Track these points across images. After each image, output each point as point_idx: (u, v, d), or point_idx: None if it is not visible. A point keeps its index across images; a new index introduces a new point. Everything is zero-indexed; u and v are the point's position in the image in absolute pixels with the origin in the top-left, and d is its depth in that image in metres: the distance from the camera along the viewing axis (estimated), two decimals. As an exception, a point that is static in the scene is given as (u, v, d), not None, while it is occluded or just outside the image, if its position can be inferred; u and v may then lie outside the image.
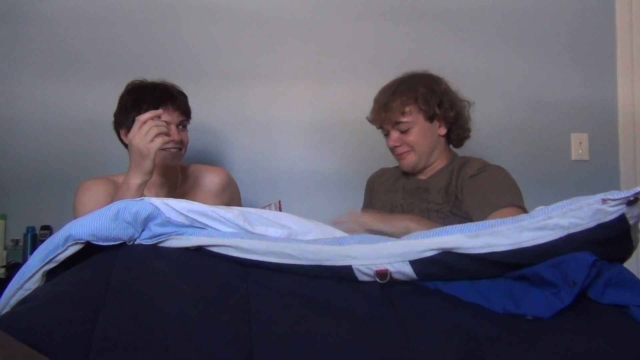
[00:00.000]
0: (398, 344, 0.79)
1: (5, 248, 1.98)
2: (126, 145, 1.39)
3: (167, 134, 1.27)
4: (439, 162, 1.54)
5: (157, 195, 1.46)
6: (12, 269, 1.85)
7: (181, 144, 1.48)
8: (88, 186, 1.48)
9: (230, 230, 1.02)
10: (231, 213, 1.03)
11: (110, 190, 1.43)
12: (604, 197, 0.86)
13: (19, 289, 0.95)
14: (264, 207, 1.59)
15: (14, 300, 0.95)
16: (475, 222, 0.93)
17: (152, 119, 1.24)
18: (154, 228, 0.99)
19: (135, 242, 0.99)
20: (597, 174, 2.16)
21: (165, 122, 1.40)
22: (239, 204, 1.67)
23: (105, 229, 0.95)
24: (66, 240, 0.95)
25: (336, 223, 1.29)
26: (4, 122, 2.04)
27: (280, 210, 1.63)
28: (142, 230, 0.99)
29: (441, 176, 1.50)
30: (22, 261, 1.90)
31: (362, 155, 2.06)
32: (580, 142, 2.18)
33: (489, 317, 0.85)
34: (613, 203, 0.86)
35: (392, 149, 1.54)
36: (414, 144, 1.49)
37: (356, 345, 0.77)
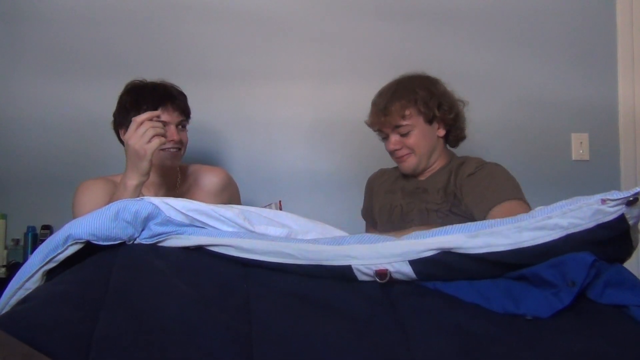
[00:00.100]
0: (398, 344, 0.79)
1: (5, 247, 1.98)
2: (126, 146, 1.39)
3: (164, 135, 1.27)
4: (437, 163, 1.54)
5: (156, 195, 1.46)
6: (13, 268, 1.86)
7: (180, 144, 1.48)
8: (87, 186, 1.48)
9: (230, 229, 1.02)
10: (231, 212, 1.03)
11: (110, 190, 1.43)
12: (603, 198, 0.86)
13: (19, 288, 0.96)
14: (264, 207, 1.59)
15: (14, 300, 0.95)
16: (475, 222, 0.93)
17: (149, 119, 1.24)
18: (154, 227, 0.99)
19: (135, 242, 0.99)
20: (598, 174, 2.16)
21: (165, 122, 1.40)
22: (239, 204, 1.67)
23: (105, 228, 0.95)
24: (66, 240, 0.95)
25: None
26: (4, 121, 2.04)
27: (281, 210, 1.63)
28: (142, 230, 0.99)
29: (440, 176, 1.50)
30: (23, 261, 1.90)
31: (362, 155, 2.06)
32: (581, 142, 2.18)
33: (489, 317, 0.85)
34: (612, 203, 0.86)
35: (392, 152, 1.54)
36: (414, 146, 1.49)
37: (356, 345, 0.77)
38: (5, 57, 2.06)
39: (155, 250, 0.97)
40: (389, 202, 1.57)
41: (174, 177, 1.56)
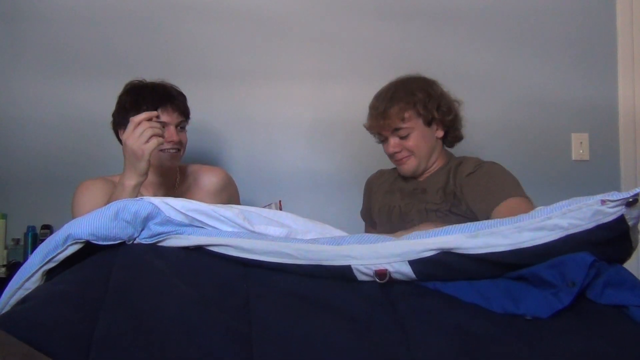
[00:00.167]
0: (397, 344, 0.79)
1: (5, 247, 1.98)
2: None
3: (162, 135, 1.27)
4: (436, 164, 1.55)
5: (155, 195, 1.46)
6: (13, 268, 1.86)
7: (180, 145, 1.48)
8: (86, 186, 1.48)
9: (230, 229, 1.02)
10: (231, 211, 1.03)
11: (109, 190, 1.43)
12: (603, 199, 0.86)
13: (19, 288, 0.96)
14: (264, 207, 1.59)
15: (14, 300, 0.95)
16: (475, 222, 0.93)
17: (147, 119, 1.24)
18: (154, 227, 0.99)
19: (135, 242, 0.99)
20: (598, 174, 2.16)
21: (164, 123, 1.40)
22: (238, 204, 1.67)
23: (104, 228, 0.95)
24: (66, 239, 0.95)
25: None
26: (4, 121, 2.05)
27: (281, 210, 1.63)
28: (142, 230, 0.99)
29: (438, 177, 1.51)
30: (23, 260, 1.90)
31: (362, 155, 2.06)
32: (581, 142, 2.18)
33: (488, 317, 0.85)
34: (612, 204, 0.85)
35: (392, 155, 1.54)
36: (414, 148, 1.49)
37: (356, 345, 0.77)
38: (5, 57, 2.06)
39: (155, 250, 0.97)
40: (388, 203, 1.57)
41: (173, 177, 1.57)
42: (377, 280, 0.92)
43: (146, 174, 1.25)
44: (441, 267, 0.91)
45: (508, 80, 2.16)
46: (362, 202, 1.76)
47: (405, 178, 1.58)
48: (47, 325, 0.75)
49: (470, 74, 2.12)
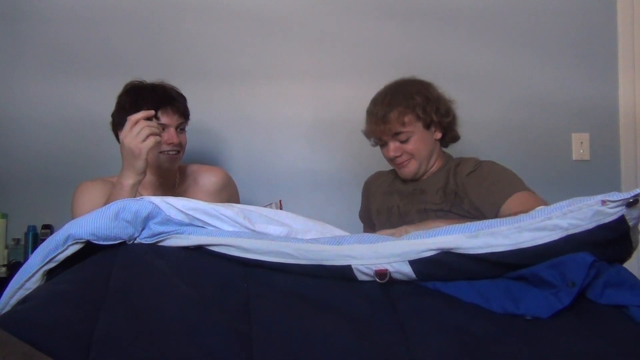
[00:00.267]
0: (397, 344, 0.79)
1: (6, 247, 1.98)
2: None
3: (159, 134, 1.27)
4: (435, 165, 1.55)
5: (155, 195, 1.46)
6: (13, 268, 1.86)
7: (180, 147, 1.48)
8: (85, 187, 1.48)
9: (230, 228, 1.02)
10: (231, 211, 1.03)
11: (107, 191, 1.43)
12: (603, 199, 0.86)
13: (19, 288, 0.96)
14: (264, 207, 1.59)
15: (14, 300, 0.95)
16: (475, 222, 0.93)
17: (144, 118, 1.24)
18: (154, 227, 0.99)
19: (135, 241, 0.99)
20: (598, 174, 2.16)
21: (164, 124, 1.40)
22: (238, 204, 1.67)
23: (105, 228, 0.95)
24: (66, 239, 0.95)
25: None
26: (4, 121, 2.05)
27: (281, 209, 1.63)
28: (142, 229, 0.99)
29: (437, 177, 1.51)
30: (23, 260, 1.90)
31: (362, 156, 2.05)
32: (581, 142, 2.18)
33: (488, 317, 0.85)
34: (612, 205, 0.85)
35: (392, 159, 1.53)
36: (414, 151, 1.50)
37: (356, 345, 0.77)
38: (5, 57, 2.06)
39: (155, 250, 0.97)
40: (387, 204, 1.57)
41: (173, 177, 1.57)
42: (378, 280, 0.92)
43: (144, 172, 1.25)
44: (441, 267, 0.91)
45: (508, 80, 2.16)
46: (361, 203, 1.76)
47: (404, 180, 1.58)
48: (48, 325, 0.75)
49: (470, 74, 2.12)
